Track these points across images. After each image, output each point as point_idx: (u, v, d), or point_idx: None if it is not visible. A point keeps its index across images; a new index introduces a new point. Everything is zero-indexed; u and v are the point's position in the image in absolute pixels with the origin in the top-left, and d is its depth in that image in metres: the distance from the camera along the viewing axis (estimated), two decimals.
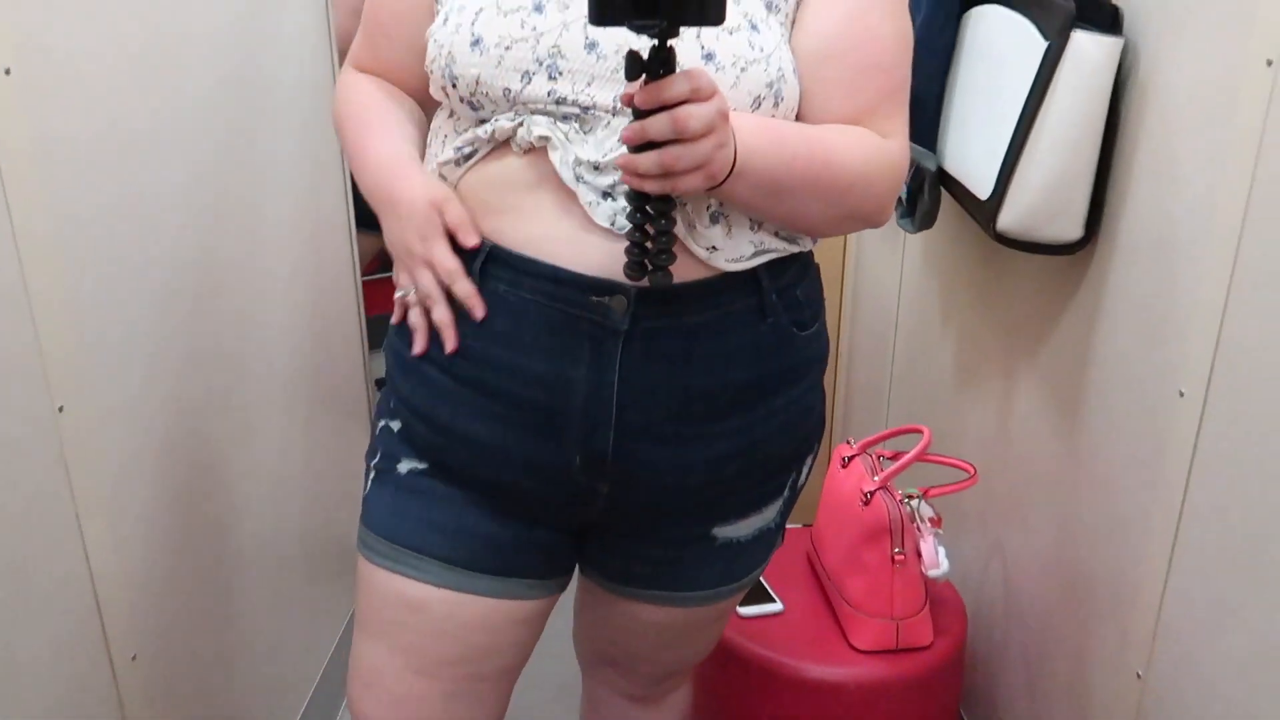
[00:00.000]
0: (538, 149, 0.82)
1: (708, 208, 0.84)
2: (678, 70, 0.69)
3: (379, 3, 0.94)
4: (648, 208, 0.75)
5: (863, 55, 0.85)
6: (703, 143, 0.71)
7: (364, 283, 1.85)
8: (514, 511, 0.91)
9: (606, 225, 0.81)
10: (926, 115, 1.32)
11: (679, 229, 0.82)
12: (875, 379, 1.87)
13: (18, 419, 0.89)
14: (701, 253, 0.83)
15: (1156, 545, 1.02)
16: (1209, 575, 0.95)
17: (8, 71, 0.86)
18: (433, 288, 0.85)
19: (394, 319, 0.91)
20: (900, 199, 1.42)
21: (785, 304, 0.88)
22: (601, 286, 0.82)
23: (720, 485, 0.91)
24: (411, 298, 0.87)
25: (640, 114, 0.70)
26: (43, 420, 0.92)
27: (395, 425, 0.92)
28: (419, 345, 0.88)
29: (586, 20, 0.79)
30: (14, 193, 0.87)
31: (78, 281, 0.95)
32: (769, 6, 0.84)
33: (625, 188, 0.77)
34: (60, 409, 0.94)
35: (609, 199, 0.81)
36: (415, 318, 0.88)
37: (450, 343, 0.86)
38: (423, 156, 0.92)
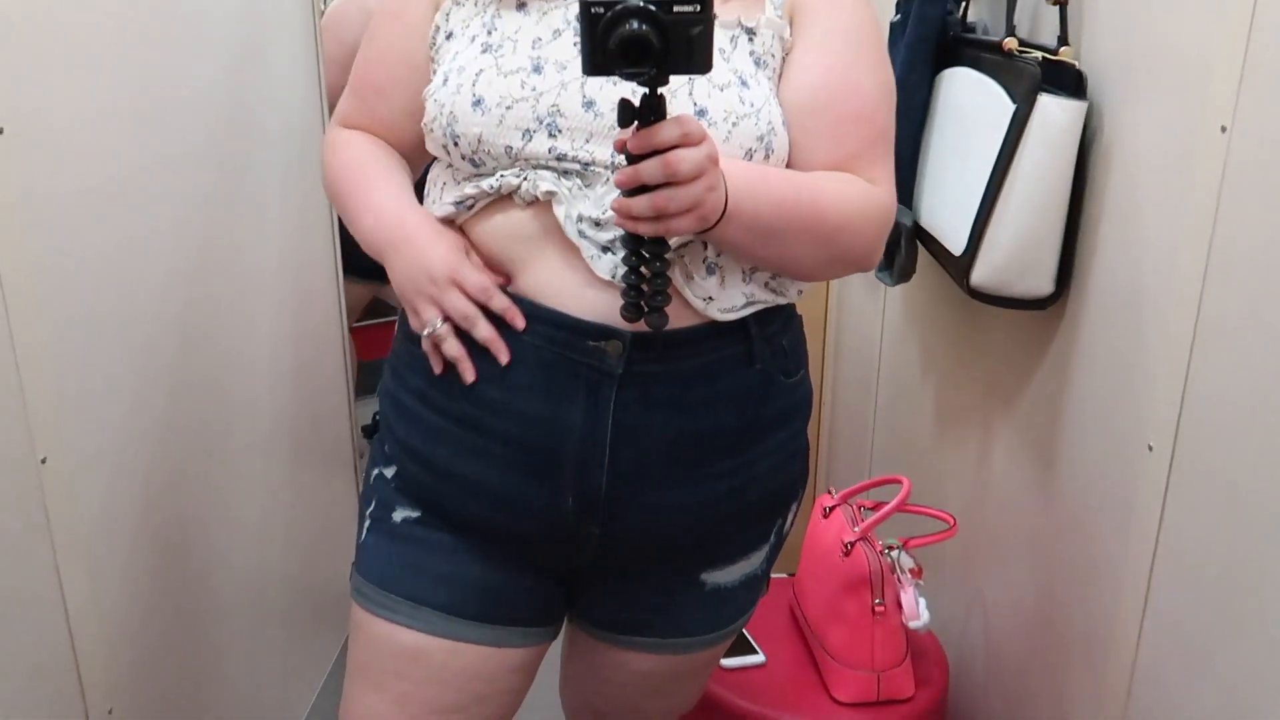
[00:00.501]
0: (541, 202, 0.84)
1: (704, 260, 0.86)
2: (668, 117, 0.73)
3: (373, 64, 0.96)
4: (643, 250, 0.78)
5: (846, 107, 0.89)
6: (694, 185, 0.74)
7: (354, 329, 1.86)
8: (507, 558, 0.91)
9: (607, 278, 0.84)
10: (902, 172, 1.34)
11: (677, 279, 0.84)
12: (858, 429, 1.88)
13: (1, 470, 0.90)
14: (698, 303, 0.86)
15: (1130, 596, 1.03)
16: (1182, 624, 0.96)
17: (0, 130, 0.88)
18: (467, 306, 0.85)
19: (436, 368, 0.88)
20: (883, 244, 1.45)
21: (772, 351, 0.91)
22: (598, 331, 0.84)
23: (710, 529, 0.93)
24: (441, 329, 0.86)
25: (633, 159, 0.74)
26: (25, 471, 0.93)
27: (389, 472, 0.93)
28: (468, 375, 0.86)
29: (583, 79, 0.83)
30: (2, 247, 0.88)
31: (63, 333, 0.97)
32: (758, 63, 0.88)
33: (621, 246, 0.79)
34: (43, 460, 0.94)
35: (609, 253, 0.84)
36: (453, 349, 0.86)
37: (503, 354, 0.85)
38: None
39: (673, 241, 0.83)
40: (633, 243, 0.77)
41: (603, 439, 0.85)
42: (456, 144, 0.85)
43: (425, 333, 0.86)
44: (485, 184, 0.86)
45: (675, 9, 0.69)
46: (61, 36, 0.96)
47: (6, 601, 0.92)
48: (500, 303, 0.85)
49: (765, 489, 0.95)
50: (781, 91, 0.89)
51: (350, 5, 2.34)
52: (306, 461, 1.63)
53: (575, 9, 0.81)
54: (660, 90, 0.72)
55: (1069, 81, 1.07)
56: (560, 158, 0.83)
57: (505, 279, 0.88)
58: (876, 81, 0.91)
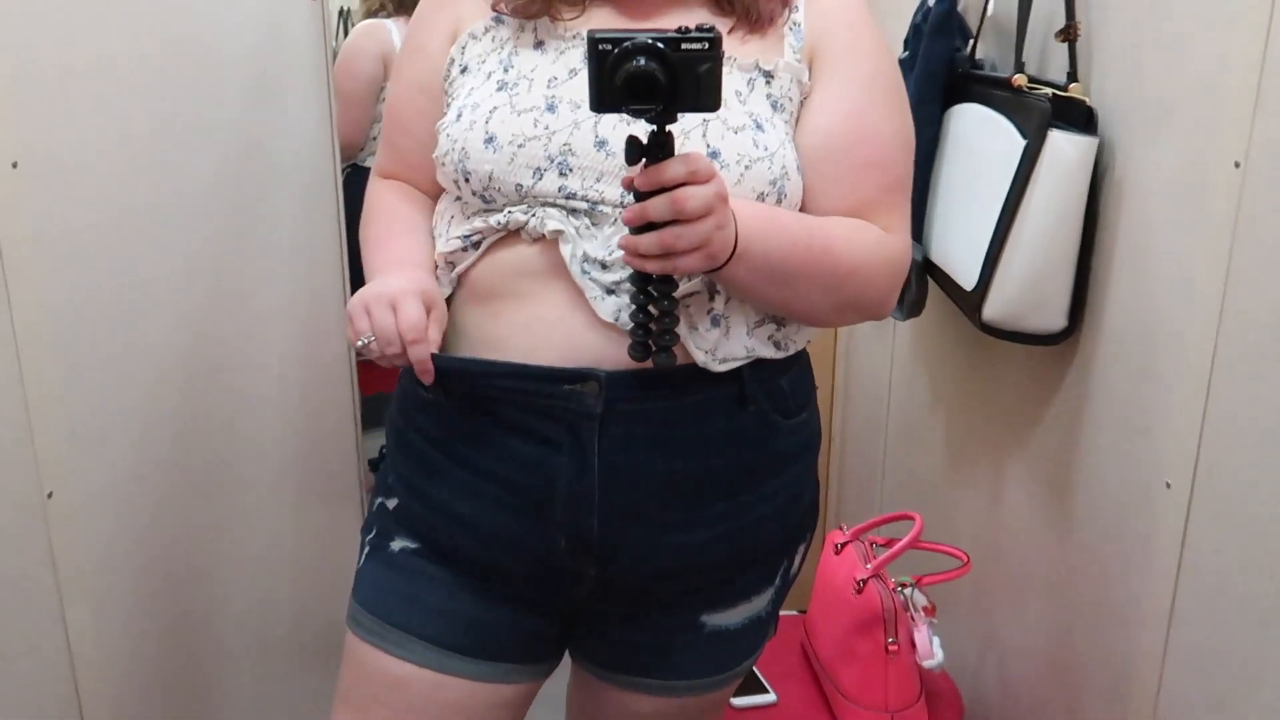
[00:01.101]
0: (548, 239, 0.84)
1: (709, 311, 0.85)
2: (676, 154, 0.72)
3: (398, 101, 0.97)
4: (650, 289, 0.77)
5: (861, 152, 0.88)
6: (702, 223, 0.73)
7: (359, 363, 1.86)
8: (502, 595, 0.90)
9: (610, 320, 0.83)
10: (912, 206, 1.35)
11: (681, 329, 0.83)
12: (868, 465, 1.87)
13: (8, 505, 0.90)
14: (698, 355, 0.84)
15: (1151, 637, 1.01)
16: (1205, 665, 0.94)
17: (15, 165, 0.89)
18: (391, 330, 0.81)
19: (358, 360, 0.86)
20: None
21: (767, 393, 0.89)
22: (573, 375, 0.83)
23: (707, 571, 0.91)
24: (372, 346, 0.83)
25: (641, 196, 0.73)
26: (32, 506, 0.93)
27: (391, 503, 0.93)
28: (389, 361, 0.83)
29: (597, 118, 0.83)
30: (14, 284, 0.89)
31: (72, 368, 0.97)
32: (774, 106, 0.88)
33: (629, 285, 0.79)
34: (50, 495, 0.94)
35: (613, 295, 0.83)
36: (375, 352, 0.83)
37: (429, 375, 0.83)
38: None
39: (680, 289, 0.82)
40: (641, 281, 0.77)
41: (591, 480, 0.84)
42: (467, 180, 0.86)
43: (358, 345, 0.83)
44: (493, 220, 0.86)
45: (683, 46, 0.69)
46: (75, 73, 0.97)
47: (11, 639, 0.91)
48: (417, 353, 0.82)
49: (767, 532, 0.93)
50: (799, 136, 0.88)
51: (364, 40, 2.37)
52: (312, 497, 1.62)
53: None
54: (668, 128, 0.72)
55: (1079, 117, 1.07)
56: (570, 196, 0.83)
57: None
58: (895, 129, 0.90)
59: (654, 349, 0.78)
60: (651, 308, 0.77)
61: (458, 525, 0.88)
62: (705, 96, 0.71)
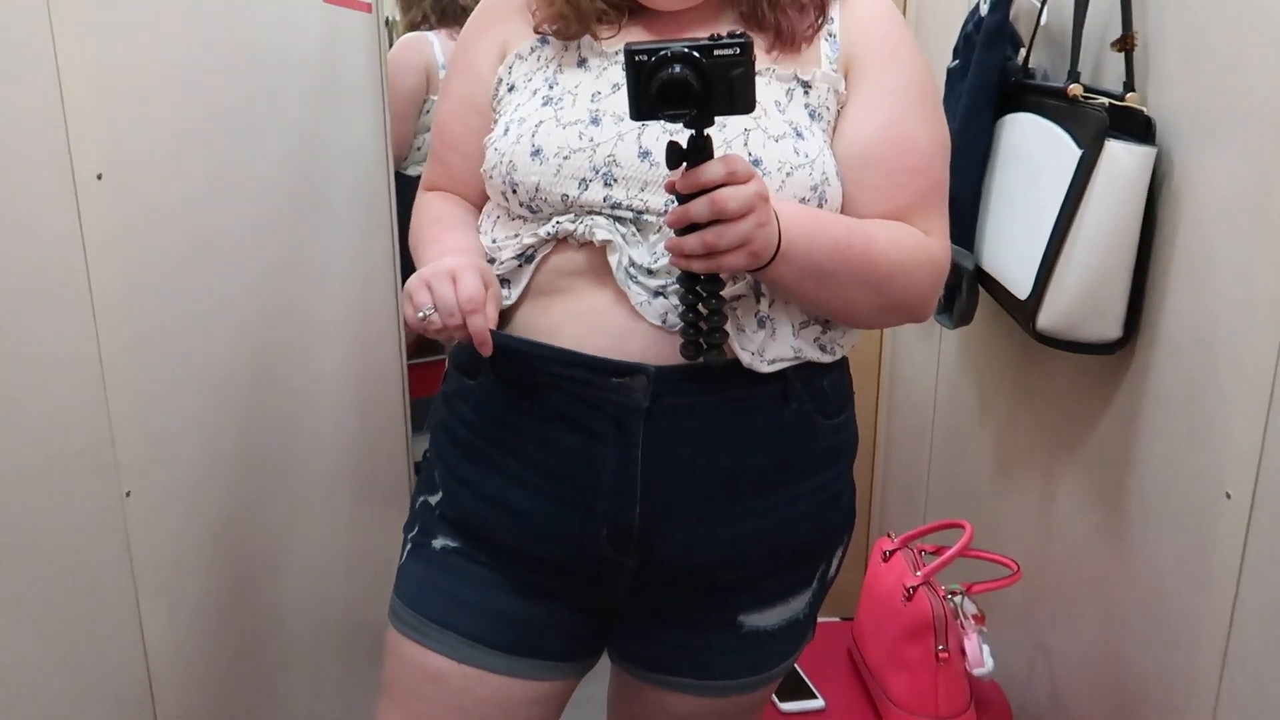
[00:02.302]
0: (596, 245, 0.86)
1: (756, 314, 0.87)
2: (715, 157, 0.75)
3: (447, 119, 1.00)
4: (699, 289, 0.79)
5: (899, 160, 0.90)
6: (743, 222, 0.76)
7: (409, 367, 1.89)
8: (542, 591, 0.92)
9: (657, 323, 0.85)
10: (963, 215, 1.36)
11: (729, 330, 0.85)
12: (912, 472, 1.87)
13: (87, 504, 0.93)
14: (745, 356, 0.86)
15: (1208, 650, 1.00)
16: (1264, 680, 0.93)
17: (99, 176, 0.92)
18: (452, 302, 0.81)
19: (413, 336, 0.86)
20: (939, 294, 1.45)
21: (810, 392, 0.91)
22: (622, 368, 0.85)
23: (745, 567, 0.92)
24: (433, 317, 0.83)
25: (683, 200, 0.76)
26: (111, 505, 0.96)
27: (434, 500, 0.95)
28: (448, 334, 0.83)
29: (640, 130, 0.85)
30: (99, 294, 0.92)
31: (150, 371, 1.00)
32: (813, 115, 0.90)
33: (678, 286, 0.81)
34: (128, 494, 0.97)
35: (660, 297, 0.85)
36: (435, 325, 0.83)
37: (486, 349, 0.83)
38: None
39: (727, 289, 0.84)
40: (689, 281, 0.79)
41: (634, 472, 0.86)
42: (515, 191, 0.88)
43: (419, 316, 0.83)
44: (542, 231, 0.88)
45: (716, 53, 0.72)
46: (152, 86, 1.00)
47: (90, 633, 0.94)
48: (476, 324, 0.81)
49: (804, 531, 0.94)
50: (836, 145, 0.90)
51: (407, 53, 2.40)
52: (364, 496, 1.65)
53: None
54: (706, 132, 0.75)
55: (1137, 127, 1.07)
56: (615, 206, 0.86)
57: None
58: (931, 135, 0.92)
59: (705, 347, 0.80)
60: (701, 307, 0.80)
61: (501, 512, 0.90)
62: (740, 100, 0.74)
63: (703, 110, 0.73)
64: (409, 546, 0.97)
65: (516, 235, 0.90)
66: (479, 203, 0.99)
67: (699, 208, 0.75)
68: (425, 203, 1.02)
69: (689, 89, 0.72)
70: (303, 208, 1.37)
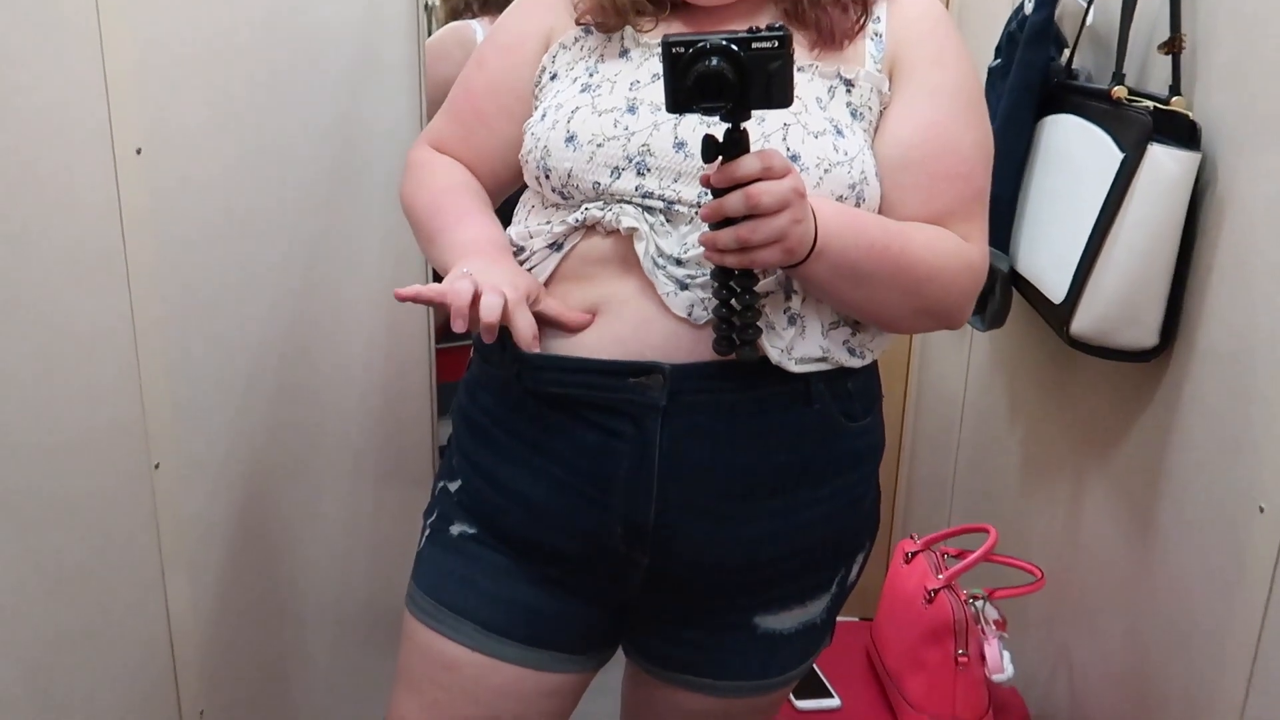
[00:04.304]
0: (623, 235, 0.86)
1: (785, 310, 0.86)
2: (751, 151, 0.74)
3: (482, 93, 0.97)
4: (732, 284, 0.78)
5: (941, 163, 0.89)
6: (778, 217, 0.74)
7: (437, 350, 1.90)
8: (558, 583, 0.92)
9: (683, 315, 0.84)
10: (1000, 216, 1.34)
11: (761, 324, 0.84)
12: (938, 474, 1.85)
13: (120, 474, 0.94)
14: (774, 353, 0.85)
15: (1234, 666, 0.99)
16: None
17: (139, 151, 0.93)
18: (497, 303, 0.79)
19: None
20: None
21: (833, 393, 0.89)
22: (637, 368, 0.84)
23: (760, 569, 0.91)
24: (465, 285, 0.79)
25: (719, 194, 0.75)
26: (140, 477, 0.97)
27: (454, 486, 0.95)
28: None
29: (677, 120, 0.84)
30: (134, 268, 0.93)
31: (181, 344, 1.01)
32: (854, 114, 0.89)
33: (712, 281, 0.80)
34: (156, 466, 0.98)
35: (686, 289, 0.84)
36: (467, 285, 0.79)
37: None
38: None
39: (760, 285, 0.83)
40: (722, 276, 0.78)
41: (650, 469, 0.86)
42: (548, 176, 0.88)
43: (450, 279, 0.80)
44: (571, 219, 0.87)
45: (754, 45, 0.71)
46: (191, 62, 1.01)
47: (116, 601, 0.95)
48: (524, 318, 0.79)
49: (823, 534, 0.93)
50: (877, 145, 0.89)
51: (449, 43, 2.39)
52: (390, 480, 1.66)
53: None
54: (743, 126, 0.74)
55: (1182, 132, 1.05)
56: (646, 195, 0.85)
57: (586, 318, 0.85)
58: (974, 140, 0.91)
59: (738, 343, 0.79)
60: (734, 302, 0.79)
61: (519, 504, 0.90)
62: (777, 93, 0.73)
63: (739, 104, 0.72)
64: (427, 532, 0.97)
65: (548, 223, 0.90)
66: (487, 183, 0.97)
67: (733, 202, 0.74)
68: (432, 164, 0.97)
69: (725, 82, 0.71)
70: (337, 187, 1.38)
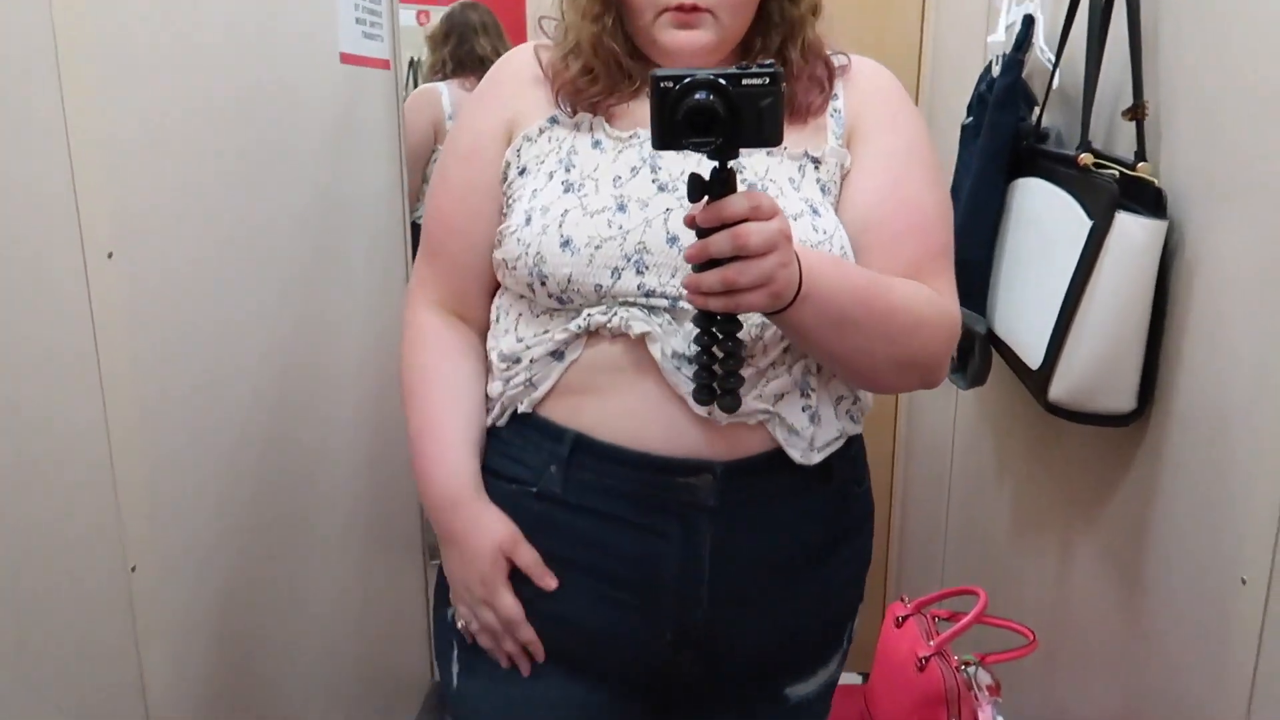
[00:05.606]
0: (631, 338, 0.85)
1: (803, 408, 0.86)
2: (738, 191, 0.72)
3: (449, 206, 0.95)
4: (714, 330, 0.76)
5: (901, 220, 0.90)
6: (765, 260, 0.72)
7: None
8: (598, 680, 0.92)
9: (703, 414, 0.84)
10: (975, 278, 1.34)
11: (779, 435, 0.85)
12: (929, 535, 1.84)
13: (95, 578, 0.93)
14: (796, 454, 0.86)
15: None
16: None
17: (110, 255, 0.93)
18: (497, 626, 0.88)
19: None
20: (951, 355, 1.43)
21: (844, 464, 0.92)
22: (688, 467, 0.84)
23: (799, 644, 0.94)
24: (475, 627, 0.90)
25: (703, 234, 0.72)
26: (117, 580, 0.96)
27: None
28: (504, 662, 0.91)
29: (666, 215, 0.84)
30: (107, 368, 0.93)
31: (158, 447, 1.01)
32: (824, 190, 0.90)
33: (693, 326, 0.78)
34: (133, 568, 0.98)
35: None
36: (487, 641, 0.90)
37: (525, 667, 0.90)
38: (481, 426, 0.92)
39: (769, 387, 0.83)
40: (704, 321, 0.76)
41: (700, 570, 0.86)
42: (544, 283, 0.85)
43: (460, 625, 0.92)
44: (572, 325, 0.85)
45: (744, 81, 0.69)
46: (170, 161, 1.02)
47: (95, 707, 0.94)
48: (525, 635, 0.88)
49: (845, 597, 0.96)
50: (841, 209, 0.90)
51: (415, 107, 2.44)
52: (377, 554, 1.65)
53: (649, 147, 0.83)
54: (730, 164, 0.72)
55: (1148, 199, 1.05)
56: (649, 294, 0.84)
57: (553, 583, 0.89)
58: (934, 199, 0.92)
59: (718, 392, 0.77)
60: (716, 349, 0.76)
61: (555, 624, 0.89)
62: (768, 131, 0.71)
63: (728, 140, 0.70)
64: (457, 667, 0.94)
65: (546, 332, 0.87)
66: (478, 296, 0.95)
67: (720, 242, 0.71)
68: (420, 341, 0.94)
69: (715, 117, 0.69)
70: (319, 267, 1.38)
